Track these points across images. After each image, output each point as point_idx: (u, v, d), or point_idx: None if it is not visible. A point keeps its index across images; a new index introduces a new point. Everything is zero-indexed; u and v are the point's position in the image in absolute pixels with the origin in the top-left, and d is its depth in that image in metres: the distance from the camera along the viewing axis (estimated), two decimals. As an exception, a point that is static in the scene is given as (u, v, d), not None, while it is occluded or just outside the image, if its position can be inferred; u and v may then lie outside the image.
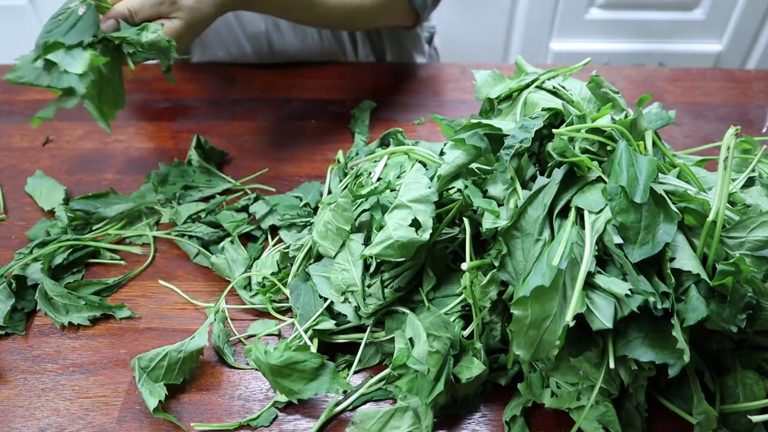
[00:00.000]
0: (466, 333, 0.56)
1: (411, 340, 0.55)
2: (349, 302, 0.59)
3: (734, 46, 1.84)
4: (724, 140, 0.48)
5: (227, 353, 0.61)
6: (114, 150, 0.87)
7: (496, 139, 0.54)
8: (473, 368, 0.54)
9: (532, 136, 0.52)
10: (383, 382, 0.58)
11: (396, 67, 1.04)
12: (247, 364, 0.61)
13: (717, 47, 1.86)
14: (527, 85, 0.64)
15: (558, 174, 0.51)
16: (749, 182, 0.59)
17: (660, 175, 0.52)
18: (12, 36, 1.86)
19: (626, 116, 0.57)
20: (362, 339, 0.59)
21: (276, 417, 0.57)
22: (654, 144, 0.57)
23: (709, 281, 0.47)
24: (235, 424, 0.56)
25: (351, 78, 1.00)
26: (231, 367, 0.61)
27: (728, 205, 0.51)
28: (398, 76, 1.01)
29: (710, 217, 0.47)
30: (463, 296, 0.57)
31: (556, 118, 0.56)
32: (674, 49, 1.86)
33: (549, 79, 0.65)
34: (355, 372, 0.60)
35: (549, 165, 0.53)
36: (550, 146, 0.52)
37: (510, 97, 0.66)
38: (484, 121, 0.55)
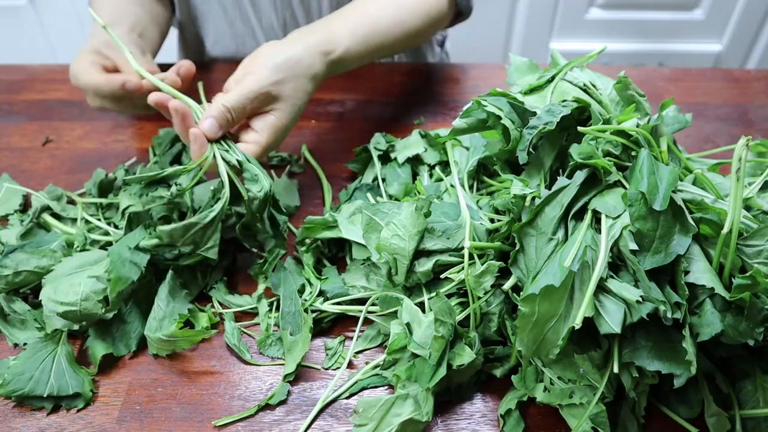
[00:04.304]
0: (459, 318, 0.57)
1: (408, 325, 0.56)
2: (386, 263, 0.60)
3: (734, 46, 1.85)
4: (735, 151, 0.47)
5: (243, 350, 0.61)
6: (114, 150, 0.87)
7: (522, 117, 0.56)
8: (464, 356, 0.54)
9: (557, 120, 0.52)
10: (378, 368, 0.59)
11: (397, 67, 1.04)
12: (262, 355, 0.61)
13: (717, 47, 1.86)
14: (549, 81, 0.64)
15: (579, 176, 0.51)
16: (765, 186, 0.58)
17: (678, 182, 0.52)
18: (12, 36, 1.86)
19: (649, 120, 0.57)
20: (361, 312, 0.61)
21: (290, 392, 0.58)
22: (669, 149, 0.56)
23: (725, 295, 0.47)
24: (254, 408, 0.56)
25: (351, 78, 1.00)
26: (244, 362, 0.61)
27: (744, 211, 0.50)
28: (399, 76, 1.01)
29: (724, 230, 0.47)
30: (455, 282, 0.58)
31: (582, 113, 0.56)
32: (674, 49, 1.86)
33: (571, 70, 0.65)
34: (355, 353, 0.61)
35: (570, 165, 0.53)
36: (573, 148, 0.52)
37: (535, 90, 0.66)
38: (510, 93, 0.56)
